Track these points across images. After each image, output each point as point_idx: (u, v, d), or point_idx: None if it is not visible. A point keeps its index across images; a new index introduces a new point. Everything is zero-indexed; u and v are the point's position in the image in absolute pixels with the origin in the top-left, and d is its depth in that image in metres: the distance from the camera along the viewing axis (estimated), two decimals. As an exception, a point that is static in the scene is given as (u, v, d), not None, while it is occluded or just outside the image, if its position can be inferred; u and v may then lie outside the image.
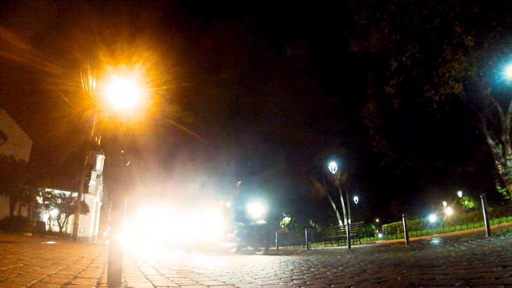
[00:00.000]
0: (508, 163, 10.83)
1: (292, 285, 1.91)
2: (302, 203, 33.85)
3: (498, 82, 10.44)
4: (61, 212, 19.45)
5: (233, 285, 1.95)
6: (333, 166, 24.74)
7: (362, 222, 20.18)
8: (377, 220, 36.13)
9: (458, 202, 29.76)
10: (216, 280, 2.18)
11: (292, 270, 2.90)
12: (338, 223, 27.35)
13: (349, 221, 25.80)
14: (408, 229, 9.10)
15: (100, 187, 31.68)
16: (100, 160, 29.38)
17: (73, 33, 13.38)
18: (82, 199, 16.03)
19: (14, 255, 3.38)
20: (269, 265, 3.58)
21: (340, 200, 28.72)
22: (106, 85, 12.61)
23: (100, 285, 1.76)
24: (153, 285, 1.89)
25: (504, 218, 13.42)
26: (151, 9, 20.26)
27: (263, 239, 7.70)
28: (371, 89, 15.23)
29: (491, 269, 1.82)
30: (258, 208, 7.91)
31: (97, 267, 2.76)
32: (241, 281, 2.14)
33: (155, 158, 28.63)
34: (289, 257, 5.38)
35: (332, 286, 1.81)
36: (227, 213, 8.00)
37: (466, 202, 30.65)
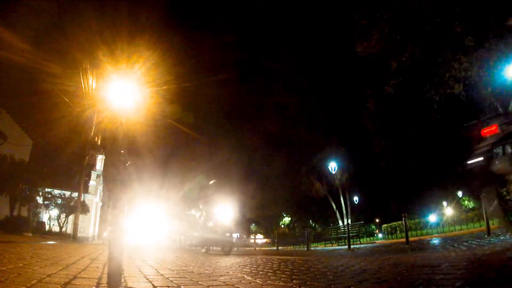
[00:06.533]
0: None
1: (292, 285, 1.91)
2: (302, 203, 33.87)
3: (498, 82, 10.43)
4: (61, 212, 19.43)
5: (233, 285, 1.95)
6: (333, 166, 24.75)
7: (362, 222, 20.18)
8: (377, 220, 36.11)
9: (458, 202, 29.77)
10: (216, 280, 2.18)
11: (292, 269, 2.90)
12: (338, 223, 27.34)
13: (349, 221, 25.79)
14: (408, 229, 9.09)
15: (100, 187, 31.67)
16: (100, 160, 29.36)
17: (73, 33, 13.37)
18: (82, 199, 16.02)
19: (14, 255, 3.38)
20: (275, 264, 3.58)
21: (340, 200, 28.72)
22: (106, 85, 12.60)
23: (100, 285, 1.76)
24: (153, 285, 1.89)
25: (504, 218, 13.40)
26: (151, 9, 20.26)
27: None
28: (371, 89, 15.23)
29: (491, 269, 1.82)
30: None
31: (97, 267, 2.76)
32: (241, 281, 2.14)
33: (155, 157, 28.64)
34: (289, 257, 5.38)
35: (332, 286, 1.81)
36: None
37: (466, 202, 30.65)
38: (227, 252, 6.79)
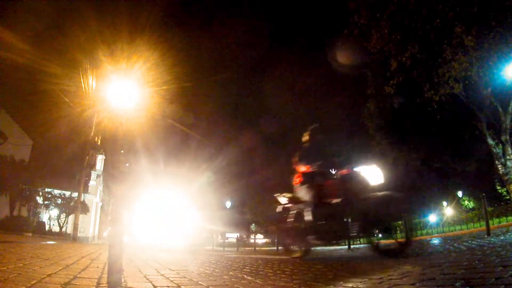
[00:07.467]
0: (508, 163, 10.83)
1: (292, 285, 1.91)
2: (302, 203, 33.87)
3: (498, 82, 10.44)
4: (61, 212, 19.44)
5: (233, 285, 1.95)
6: (333, 166, 24.69)
7: (362, 222, 20.19)
8: (377, 220, 36.01)
9: (458, 202, 29.76)
10: (216, 280, 2.18)
11: (292, 269, 2.90)
12: (338, 223, 27.31)
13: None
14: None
15: (100, 187, 31.69)
16: (100, 160, 29.39)
17: (73, 33, 13.39)
18: (82, 199, 16.02)
19: (14, 255, 3.38)
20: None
21: (340, 200, 28.69)
22: (106, 85, 12.62)
23: (100, 285, 1.76)
24: (153, 285, 1.89)
25: (504, 218, 13.43)
26: (151, 9, 20.29)
27: None
28: (371, 89, 15.25)
29: (491, 269, 1.81)
30: None
31: (97, 267, 2.76)
32: (241, 281, 2.14)
33: (155, 157, 28.66)
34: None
35: (332, 286, 1.81)
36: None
37: (466, 202, 30.64)
38: (400, 250, 3.44)
